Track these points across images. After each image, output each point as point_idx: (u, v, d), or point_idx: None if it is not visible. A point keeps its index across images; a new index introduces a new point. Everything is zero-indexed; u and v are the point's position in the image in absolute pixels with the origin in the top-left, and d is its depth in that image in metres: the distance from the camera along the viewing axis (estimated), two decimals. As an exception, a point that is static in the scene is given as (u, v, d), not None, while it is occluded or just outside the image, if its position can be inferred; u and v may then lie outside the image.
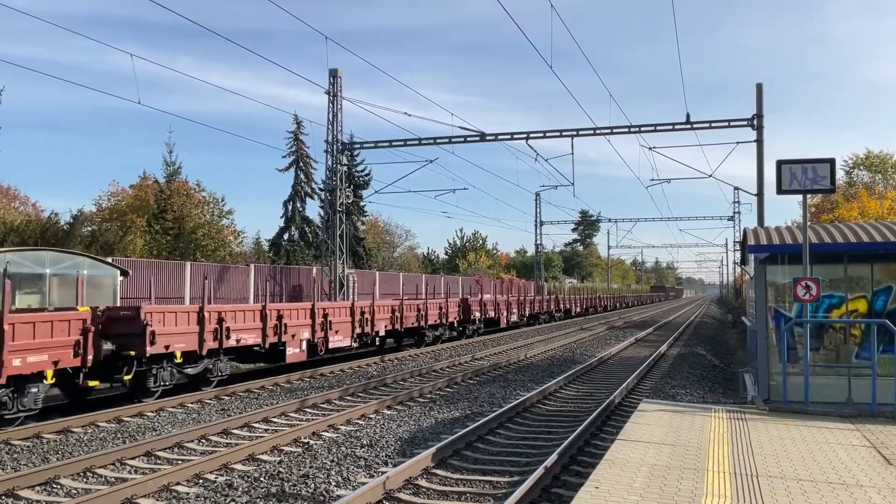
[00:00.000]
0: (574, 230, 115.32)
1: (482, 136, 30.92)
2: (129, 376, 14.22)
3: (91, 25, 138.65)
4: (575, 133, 30.35)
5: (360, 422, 12.82)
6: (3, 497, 8.24)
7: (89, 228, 38.44)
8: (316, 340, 20.10)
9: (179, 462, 9.98)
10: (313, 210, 56.80)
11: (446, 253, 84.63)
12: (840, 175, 50.14)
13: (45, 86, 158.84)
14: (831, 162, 12.19)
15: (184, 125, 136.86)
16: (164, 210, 42.69)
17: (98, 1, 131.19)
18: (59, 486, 8.77)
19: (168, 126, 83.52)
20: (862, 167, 52.17)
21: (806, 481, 7.62)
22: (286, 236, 54.42)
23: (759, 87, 27.14)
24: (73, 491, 8.63)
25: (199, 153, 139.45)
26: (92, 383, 13.86)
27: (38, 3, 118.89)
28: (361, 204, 53.85)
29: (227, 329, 16.57)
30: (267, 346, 18.10)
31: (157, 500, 8.26)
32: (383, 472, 9.04)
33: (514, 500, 7.62)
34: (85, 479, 9.14)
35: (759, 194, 26.30)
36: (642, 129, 29.55)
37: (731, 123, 28.18)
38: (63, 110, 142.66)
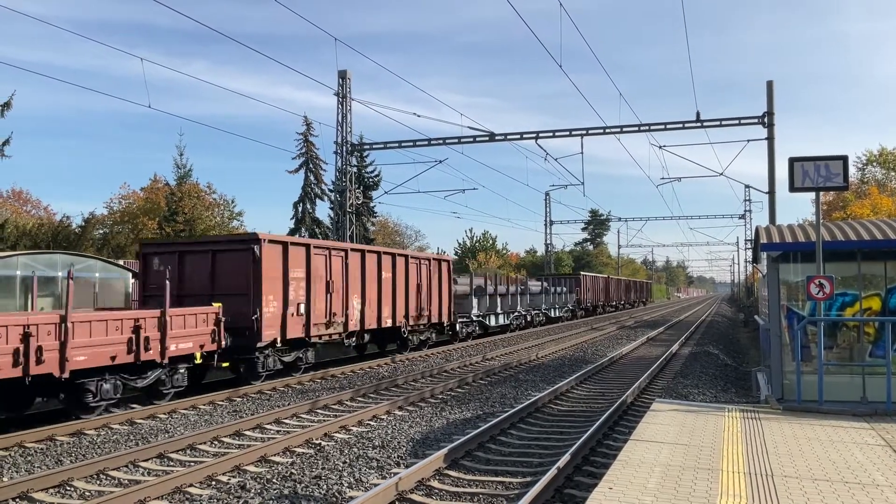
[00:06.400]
0: (584, 229, 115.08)
1: (492, 136, 30.91)
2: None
3: (105, 31, 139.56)
4: (585, 132, 30.30)
5: (372, 423, 12.82)
6: (18, 499, 8.27)
7: (101, 231, 38.68)
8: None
9: (192, 464, 9.99)
10: (323, 211, 57.05)
11: (456, 253, 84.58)
12: (852, 172, 49.88)
13: (57, 91, 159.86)
14: (844, 159, 12.10)
15: (195, 128, 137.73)
16: (175, 212, 42.89)
17: (112, 7, 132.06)
18: (72, 489, 8.80)
19: (178, 129, 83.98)
20: (876, 164, 51.83)
21: (821, 481, 7.56)
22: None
23: (770, 84, 27.03)
24: (87, 493, 8.66)
25: (209, 156, 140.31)
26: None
27: (53, 8, 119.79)
28: (371, 205, 53.93)
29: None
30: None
31: (170, 501, 8.27)
32: (396, 474, 9.02)
33: (527, 500, 7.59)
34: (98, 482, 9.17)
35: (771, 192, 26.20)
36: (652, 127, 29.47)
37: (742, 121, 28.08)
38: (75, 115, 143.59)
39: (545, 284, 44.43)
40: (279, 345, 17.72)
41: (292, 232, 54.80)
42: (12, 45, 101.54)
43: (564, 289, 48.71)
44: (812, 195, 13.09)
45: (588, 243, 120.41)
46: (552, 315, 44.95)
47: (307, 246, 19.17)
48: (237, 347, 16.49)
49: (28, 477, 8.86)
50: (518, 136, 31.14)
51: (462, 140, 31.29)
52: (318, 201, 55.57)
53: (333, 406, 14.72)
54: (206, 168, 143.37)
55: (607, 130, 29.97)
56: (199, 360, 15.18)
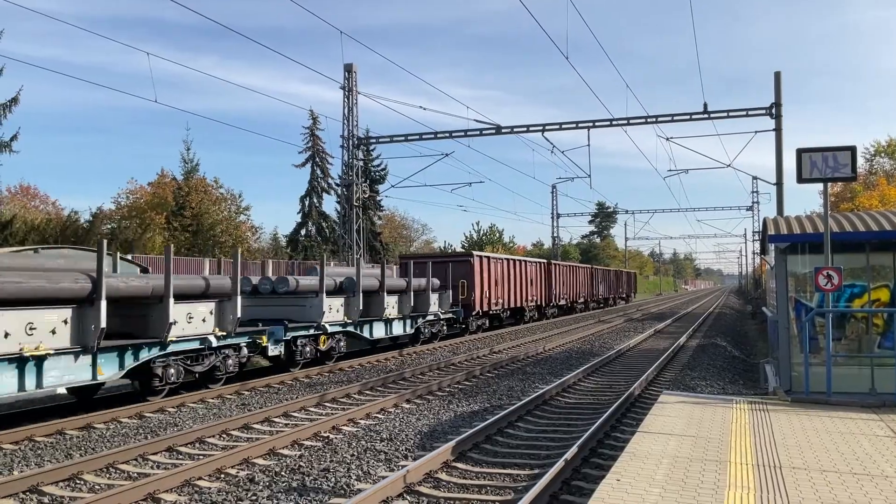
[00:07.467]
0: (591, 222, 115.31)
1: (498, 129, 30.85)
2: None
3: (114, 27, 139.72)
4: (591, 124, 30.22)
5: (380, 416, 12.85)
6: (28, 493, 8.31)
7: (109, 226, 38.84)
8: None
9: (201, 457, 10.03)
10: (330, 205, 57.06)
11: (463, 246, 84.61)
12: (860, 163, 49.60)
13: (64, 86, 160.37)
14: (852, 150, 12.04)
15: (201, 123, 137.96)
16: (182, 207, 43.06)
17: (121, 3, 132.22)
18: (82, 482, 8.84)
19: (185, 124, 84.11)
20: (884, 154, 51.58)
21: (830, 472, 7.54)
22: (303, 232, 54.70)
23: (778, 75, 26.90)
24: (97, 486, 8.70)
25: (216, 150, 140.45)
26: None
27: (62, 5, 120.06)
28: (378, 198, 53.96)
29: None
30: None
31: (180, 494, 8.31)
32: (403, 466, 9.05)
33: (535, 493, 7.60)
34: (108, 475, 9.21)
35: (779, 183, 26.09)
36: (659, 119, 29.37)
37: (750, 112, 27.96)
38: (82, 110, 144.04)
39: (364, 274, 21.61)
40: None
41: (299, 226, 54.83)
42: (21, 42, 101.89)
43: (426, 282, 25.72)
44: (820, 186, 13.01)
45: (595, 236, 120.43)
46: (376, 336, 22.45)
47: None
48: None
49: (38, 470, 8.91)
50: (524, 129, 31.08)
51: (468, 133, 31.26)
52: (324, 195, 55.70)
53: (341, 399, 14.76)
54: (213, 163, 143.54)
55: (614, 122, 29.90)
56: None
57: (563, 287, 45.38)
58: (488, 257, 33.35)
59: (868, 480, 7.24)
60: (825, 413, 10.83)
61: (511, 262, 36.14)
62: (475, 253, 32.48)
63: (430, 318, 26.29)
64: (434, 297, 26.42)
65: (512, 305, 35.51)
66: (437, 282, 26.94)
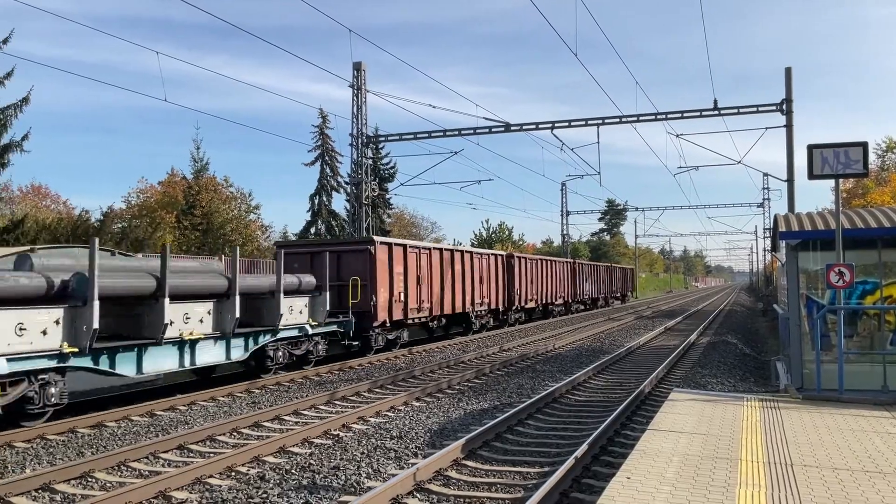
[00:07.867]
0: (601, 219, 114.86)
1: (507, 127, 30.80)
2: None
3: (123, 27, 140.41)
4: (601, 121, 30.12)
5: (390, 414, 12.86)
6: (40, 490, 8.36)
7: (119, 225, 38.96)
8: None
9: (212, 455, 10.06)
10: (339, 204, 57.09)
11: (472, 244, 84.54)
12: (872, 159, 49.27)
13: (74, 86, 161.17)
14: (864, 146, 11.97)
15: (211, 122, 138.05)
16: (192, 206, 43.20)
17: (132, 3, 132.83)
18: (94, 480, 8.88)
19: (195, 123, 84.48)
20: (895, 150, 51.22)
21: (842, 470, 7.50)
22: (313, 230, 54.77)
23: (789, 71, 26.73)
24: (108, 484, 8.75)
25: (226, 149, 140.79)
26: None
27: (71, 4, 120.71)
28: (387, 197, 53.98)
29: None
30: None
31: (191, 492, 8.34)
32: (413, 464, 9.05)
33: (545, 490, 7.59)
34: (119, 473, 9.25)
35: (790, 180, 25.93)
36: (669, 116, 29.24)
37: (760, 109, 27.79)
38: (92, 110, 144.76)
39: (120, 267, 14.15)
40: None
41: (308, 224, 54.91)
42: (31, 42, 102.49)
43: (277, 282, 17.27)
44: (831, 183, 12.96)
45: (605, 233, 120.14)
46: (150, 370, 13.75)
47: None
48: None
49: (50, 469, 8.96)
50: (534, 126, 31.00)
51: (478, 131, 31.21)
52: (334, 194, 55.77)
53: (351, 397, 14.78)
54: (223, 161, 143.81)
55: (623, 120, 29.79)
56: None
57: (531, 286, 36.49)
58: (403, 245, 24.07)
59: (880, 478, 7.20)
60: (837, 410, 10.78)
61: (444, 253, 27.05)
62: (377, 239, 22.71)
63: (288, 334, 17.63)
64: (297, 304, 17.96)
65: (447, 311, 26.70)
66: (309, 280, 18.92)
